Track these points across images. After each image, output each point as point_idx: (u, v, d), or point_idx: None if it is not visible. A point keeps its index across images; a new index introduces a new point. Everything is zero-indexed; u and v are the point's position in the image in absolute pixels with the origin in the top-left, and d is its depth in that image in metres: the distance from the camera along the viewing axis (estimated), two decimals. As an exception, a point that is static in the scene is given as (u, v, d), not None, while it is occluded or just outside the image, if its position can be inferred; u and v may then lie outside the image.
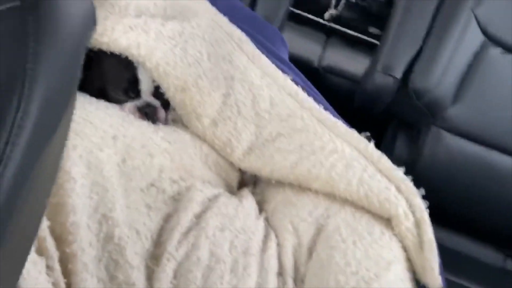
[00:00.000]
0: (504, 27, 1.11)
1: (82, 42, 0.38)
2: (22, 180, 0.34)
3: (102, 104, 0.71)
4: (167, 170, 0.71)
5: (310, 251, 0.69)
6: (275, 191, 0.78)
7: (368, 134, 0.77)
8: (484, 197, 1.13)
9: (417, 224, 0.68)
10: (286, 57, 0.96)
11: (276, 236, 0.71)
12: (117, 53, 0.73)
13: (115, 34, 0.71)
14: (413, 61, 1.08)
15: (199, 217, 0.68)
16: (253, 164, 0.78)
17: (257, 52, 0.82)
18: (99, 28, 0.72)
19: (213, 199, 0.71)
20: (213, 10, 0.84)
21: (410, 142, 1.14)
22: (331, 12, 1.54)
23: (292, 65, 0.92)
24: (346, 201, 0.72)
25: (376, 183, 0.71)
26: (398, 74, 1.08)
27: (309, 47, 1.37)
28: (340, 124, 0.77)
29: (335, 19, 1.53)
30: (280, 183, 0.77)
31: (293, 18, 1.44)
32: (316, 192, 0.74)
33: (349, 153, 0.74)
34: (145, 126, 0.73)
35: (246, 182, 0.84)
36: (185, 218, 0.67)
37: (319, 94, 0.86)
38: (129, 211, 0.64)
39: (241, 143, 0.77)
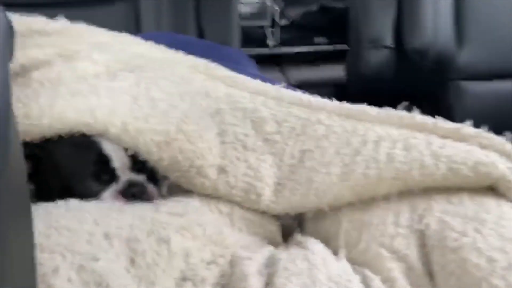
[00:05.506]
0: None
1: None
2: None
3: (72, 203, 0.50)
4: (195, 252, 0.50)
5: (428, 269, 0.49)
6: (334, 223, 0.58)
7: (406, 103, 0.61)
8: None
9: None
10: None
11: (374, 272, 0.50)
12: (67, 134, 0.54)
13: (56, 109, 0.53)
14: (398, 22, 0.95)
15: (266, 291, 0.47)
16: (292, 202, 0.58)
17: (232, 73, 0.67)
18: (33, 112, 0.53)
19: (270, 263, 0.51)
20: (162, 49, 0.68)
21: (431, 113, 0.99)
22: (272, 41, 1.49)
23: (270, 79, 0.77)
24: (429, 191, 0.54)
25: (453, 150, 0.54)
26: (389, 41, 0.95)
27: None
28: (368, 109, 0.61)
29: (279, 44, 1.49)
30: (337, 210, 0.58)
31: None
32: (386, 198, 0.56)
33: (397, 134, 0.57)
34: (140, 208, 0.52)
35: (290, 229, 0.64)
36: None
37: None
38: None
39: (265, 181, 0.59)
